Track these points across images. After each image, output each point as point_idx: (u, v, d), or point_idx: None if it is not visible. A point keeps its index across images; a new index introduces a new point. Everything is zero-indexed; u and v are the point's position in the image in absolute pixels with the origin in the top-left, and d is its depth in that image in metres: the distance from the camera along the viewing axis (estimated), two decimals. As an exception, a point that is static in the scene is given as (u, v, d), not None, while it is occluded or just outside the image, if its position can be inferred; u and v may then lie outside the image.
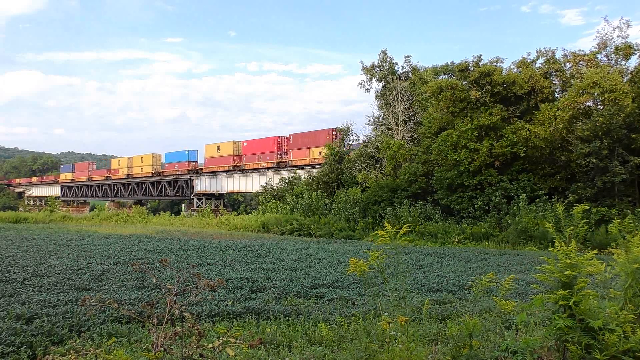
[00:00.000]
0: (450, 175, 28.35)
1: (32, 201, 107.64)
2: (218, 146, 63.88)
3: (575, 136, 24.94)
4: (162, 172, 75.08)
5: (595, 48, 28.28)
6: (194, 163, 69.17)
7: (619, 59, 27.56)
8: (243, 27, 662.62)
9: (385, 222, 4.26)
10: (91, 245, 18.87)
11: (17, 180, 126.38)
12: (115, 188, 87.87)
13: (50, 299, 8.50)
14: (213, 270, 12.83)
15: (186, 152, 69.47)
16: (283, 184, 43.99)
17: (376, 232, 4.28)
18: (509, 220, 24.70)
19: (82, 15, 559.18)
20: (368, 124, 41.59)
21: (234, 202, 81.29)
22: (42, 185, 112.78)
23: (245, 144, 60.48)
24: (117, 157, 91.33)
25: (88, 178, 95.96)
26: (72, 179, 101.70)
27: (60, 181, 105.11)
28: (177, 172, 70.73)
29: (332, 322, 7.04)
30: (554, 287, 3.91)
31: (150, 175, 76.32)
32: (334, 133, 46.27)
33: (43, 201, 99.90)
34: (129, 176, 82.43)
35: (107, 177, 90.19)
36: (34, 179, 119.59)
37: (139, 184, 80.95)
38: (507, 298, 5.22)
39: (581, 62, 28.38)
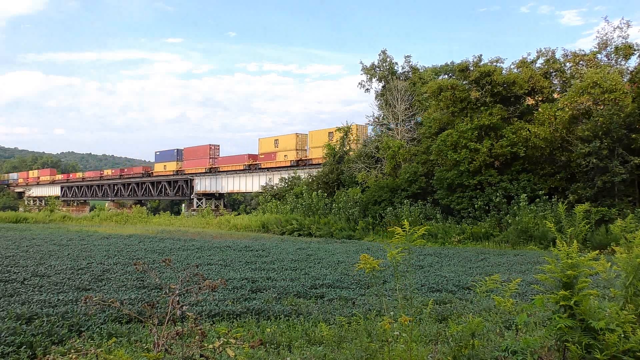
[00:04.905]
0: (450, 175, 28.35)
1: (32, 201, 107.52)
2: None
3: (575, 136, 24.92)
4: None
5: (596, 48, 28.26)
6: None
7: (619, 59, 27.55)
8: (243, 27, 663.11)
9: (404, 221, 4.24)
10: (91, 245, 18.85)
11: (87, 174, 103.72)
12: (115, 188, 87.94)
13: (50, 299, 8.48)
14: (213, 270, 12.82)
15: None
16: (283, 184, 44.01)
17: (392, 229, 4.27)
18: (509, 220, 24.69)
19: (83, 16, 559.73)
20: (368, 123, 41.59)
21: (234, 202, 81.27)
22: (46, 185, 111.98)
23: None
24: (264, 137, 60.92)
25: (210, 169, 66.64)
26: (177, 170, 73.33)
27: (154, 173, 79.71)
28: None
29: (332, 322, 7.03)
30: (555, 287, 3.91)
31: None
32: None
33: (43, 201, 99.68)
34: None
35: (250, 164, 61.66)
36: (108, 171, 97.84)
37: (139, 184, 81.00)
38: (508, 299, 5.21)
39: (581, 62, 28.37)
